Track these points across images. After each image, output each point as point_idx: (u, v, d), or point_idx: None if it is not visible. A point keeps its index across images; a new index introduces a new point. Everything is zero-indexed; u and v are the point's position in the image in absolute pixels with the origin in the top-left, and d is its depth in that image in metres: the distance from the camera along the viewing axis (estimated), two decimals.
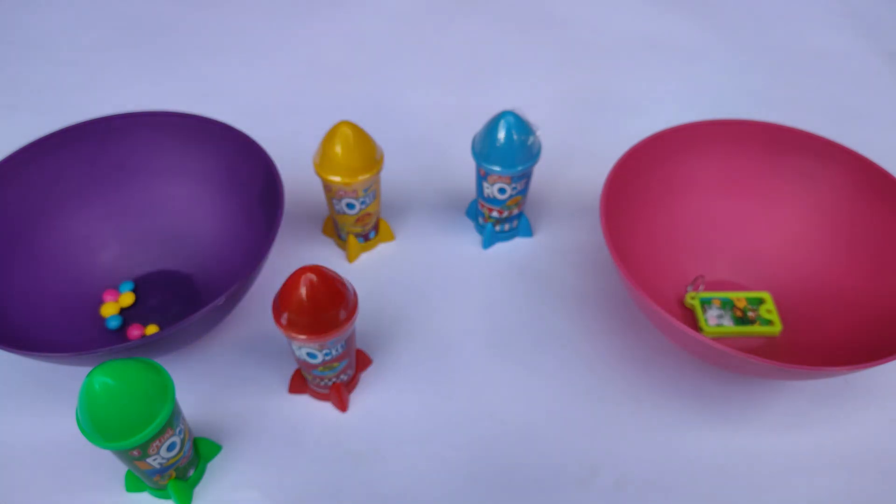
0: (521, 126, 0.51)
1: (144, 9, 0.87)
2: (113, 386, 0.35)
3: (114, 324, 0.52)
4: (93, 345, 0.50)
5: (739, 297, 0.54)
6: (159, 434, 0.38)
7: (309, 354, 0.43)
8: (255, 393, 0.50)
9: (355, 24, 0.85)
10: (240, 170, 0.55)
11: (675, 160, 0.56)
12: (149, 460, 0.39)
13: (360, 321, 0.53)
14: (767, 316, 0.53)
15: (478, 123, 0.60)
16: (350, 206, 0.54)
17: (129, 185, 0.57)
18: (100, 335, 0.52)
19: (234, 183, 0.55)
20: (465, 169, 0.64)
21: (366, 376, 0.51)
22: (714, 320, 0.53)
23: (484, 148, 0.53)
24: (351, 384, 0.50)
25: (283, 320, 0.41)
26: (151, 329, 0.53)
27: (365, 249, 0.59)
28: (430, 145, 0.69)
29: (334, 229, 0.59)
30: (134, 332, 0.52)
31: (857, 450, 0.48)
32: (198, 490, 0.45)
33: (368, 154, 0.51)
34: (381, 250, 0.60)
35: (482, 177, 0.55)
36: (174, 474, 0.42)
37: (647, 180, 0.54)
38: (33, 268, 0.52)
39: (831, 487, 0.46)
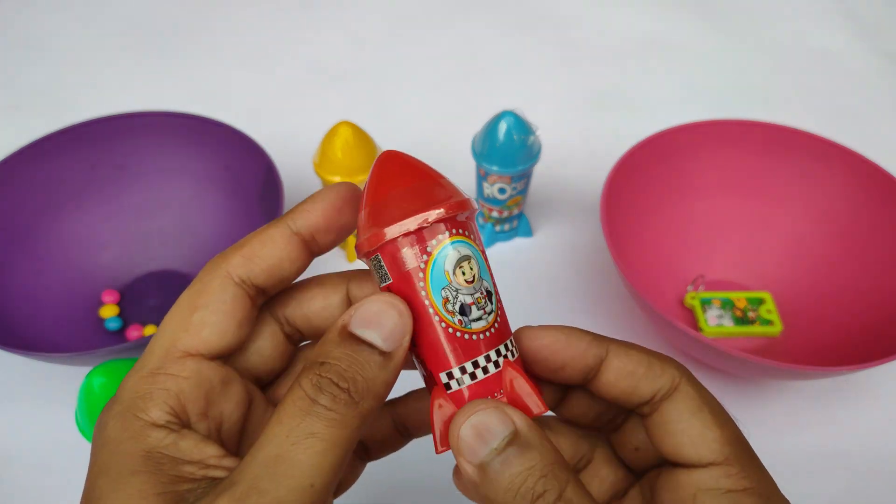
0: (521, 126, 0.51)
1: (144, 9, 0.87)
2: (112, 386, 0.35)
3: (113, 325, 0.52)
4: (92, 345, 0.50)
5: (739, 297, 0.54)
6: None
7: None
8: None
9: (355, 24, 0.85)
10: (240, 170, 0.55)
11: (675, 160, 0.56)
12: None
13: None
14: (767, 316, 0.53)
15: (478, 123, 0.60)
16: None
17: (129, 185, 0.57)
18: (99, 335, 0.52)
19: (234, 183, 0.55)
20: (465, 169, 0.64)
21: None
22: (714, 320, 0.53)
23: (484, 148, 0.53)
24: None
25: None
26: (150, 329, 0.53)
27: None
28: (429, 145, 0.69)
29: None
30: (133, 332, 0.52)
31: (857, 450, 0.48)
32: None
33: (368, 154, 0.51)
34: None
35: (482, 177, 0.55)
36: None
37: (647, 180, 0.54)
38: (33, 268, 0.52)
39: (831, 487, 0.46)
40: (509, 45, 0.82)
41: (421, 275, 0.22)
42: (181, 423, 0.21)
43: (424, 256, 0.22)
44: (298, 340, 0.26)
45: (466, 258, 0.22)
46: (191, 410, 0.21)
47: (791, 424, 0.49)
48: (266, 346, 0.24)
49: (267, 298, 0.24)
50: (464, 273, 0.22)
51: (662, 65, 0.80)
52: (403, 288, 0.22)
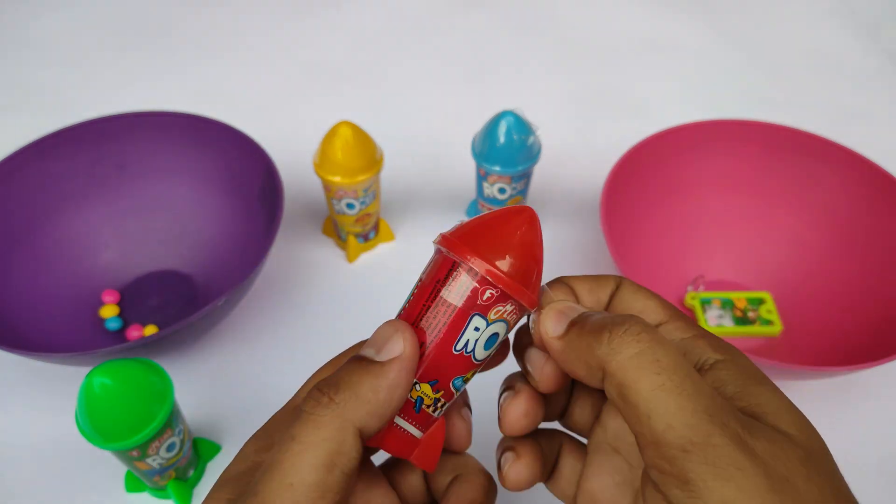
0: (521, 126, 0.51)
1: (144, 9, 0.87)
2: (112, 386, 0.35)
3: (113, 325, 0.52)
4: (92, 345, 0.51)
5: (739, 297, 0.54)
6: (158, 434, 0.38)
7: None
8: (255, 393, 0.50)
9: (355, 23, 0.85)
10: (240, 170, 0.55)
11: (675, 160, 0.56)
12: (148, 461, 0.39)
13: (361, 322, 0.53)
14: (768, 316, 0.53)
15: (478, 123, 0.60)
16: (350, 206, 0.54)
17: (128, 185, 0.57)
18: (99, 335, 0.52)
19: (234, 183, 0.55)
20: (465, 169, 0.64)
21: None
22: (714, 320, 0.53)
23: (484, 148, 0.53)
24: None
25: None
26: (150, 329, 0.53)
27: (365, 249, 0.59)
28: (430, 145, 0.69)
29: (334, 229, 0.59)
30: (133, 332, 0.52)
31: (857, 450, 0.48)
32: (198, 490, 0.45)
33: (368, 154, 0.51)
34: (381, 250, 0.60)
35: (482, 177, 0.55)
36: (174, 474, 0.42)
37: (647, 180, 0.54)
38: (33, 268, 0.52)
39: None
40: (509, 45, 0.82)
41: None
42: None
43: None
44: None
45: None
46: None
47: None
48: None
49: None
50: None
51: (662, 65, 0.80)
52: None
